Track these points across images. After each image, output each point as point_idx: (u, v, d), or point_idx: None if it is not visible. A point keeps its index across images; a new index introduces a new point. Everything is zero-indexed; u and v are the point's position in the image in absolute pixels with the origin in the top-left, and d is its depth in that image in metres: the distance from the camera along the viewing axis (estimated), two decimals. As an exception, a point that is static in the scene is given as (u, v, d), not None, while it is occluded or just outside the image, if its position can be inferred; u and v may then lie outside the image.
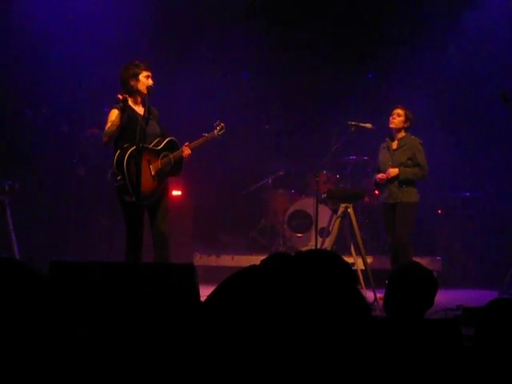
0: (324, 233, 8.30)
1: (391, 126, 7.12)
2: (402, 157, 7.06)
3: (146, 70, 5.91)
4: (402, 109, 7.10)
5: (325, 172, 8.79)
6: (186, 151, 5.97)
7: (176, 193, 8.56)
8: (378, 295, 6.62)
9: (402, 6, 9.44)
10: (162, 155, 5.93)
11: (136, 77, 5.89)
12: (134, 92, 5.89)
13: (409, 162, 7.05)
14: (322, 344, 2.21)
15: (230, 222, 9.67)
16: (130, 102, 5.86)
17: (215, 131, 6.22)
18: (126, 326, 2.80)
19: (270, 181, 9.37)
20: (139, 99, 5.96)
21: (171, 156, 5.95)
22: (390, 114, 7.13)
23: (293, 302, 2.25)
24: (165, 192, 6.05)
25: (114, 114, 5.89)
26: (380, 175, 7.11)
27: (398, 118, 7.10)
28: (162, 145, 5.96)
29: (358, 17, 9.57)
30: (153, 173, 5.88)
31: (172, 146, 6.00)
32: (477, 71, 9.14)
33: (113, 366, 2.31)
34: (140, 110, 5.91)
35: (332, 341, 2.22)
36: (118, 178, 5.71)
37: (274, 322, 2.17)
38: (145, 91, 5.84)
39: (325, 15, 9.54)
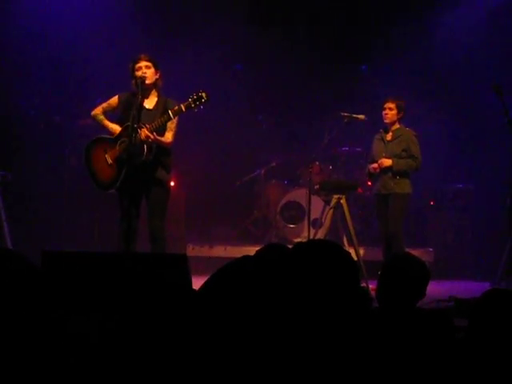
0: (317, 224, 8.30)
1: (386, 121, 7.13)
2: (397, 148, 7.06)
3: (136, 62, 5.87)
4: (392, 101, 7.09)
5: (317, 163, 8.79)
6: (143, 133, 5.65)
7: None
8: (371, 286, 6.63)
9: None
10: (119, 142, 5.84)
11: (132, 74, 5.89)
12: (138, 86, 5.83)
13: (403, 153, 7.05)
14: (320, 334, 2.21)
15: (223, 213, 9.66)
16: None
17: (181, 105, 5.72)
18: (119, 316, 2.80)
19: (263, 172, 9.37)
20: (148, 90, 5.92)
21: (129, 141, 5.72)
22: (381, 108, 7.13)
23: (291, 292, 2.25)
24: (156, 184, 5.89)
25: (112, 99, 6.04)
26: (373, 165, 7.12)
27: (390, 112, 7.09)
28: (118, 132, 5.88)
29: (351, 8, 9.55)
30: (110, 161, 5.87)
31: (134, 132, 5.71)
32: (471, 62, 9.13)
33: (105, 356, 2.31)
34: (146, 101, 5.89)
35: (331, 331, 2.22)
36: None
37: (269, 312, 2.17)
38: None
39: (318, 7, 9.52)
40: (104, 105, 6.06)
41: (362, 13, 9.55)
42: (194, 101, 5.73)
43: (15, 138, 8.45)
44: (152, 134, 5.68)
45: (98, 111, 6.05)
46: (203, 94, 5.74)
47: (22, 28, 8.58)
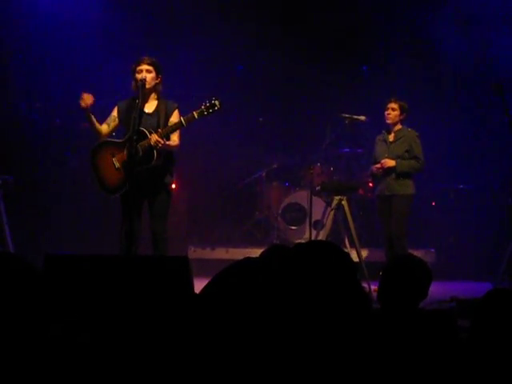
0: (318, 225, 8.30)
1: (388, 121, 7.13)
2: (399, 149, 7.07)
3: (137, 65, 5.85)
4: (395, 102, 7.10)
5: (319, 164, 8.78)
6: (153, 138, 5.61)
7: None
8: (373, 287, 6.63)
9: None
10: (127, 146, 5.74)
11: (133, 75, 5.88)
12: (139, 89, 5.81)
13: (406, 154, 7.06)
14: (321, 336, 2.21)
15: (225, 215, 9.66)
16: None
17: (194, 113, 5.71)
18: (121, 318, 2.80)
19: (264, 174, 9.36)
20: (147, 94, 5.90)
21: (138, 146, 5.65)
22: (384, 108, 7.14)
23: (292, 294, 2.25)
24: (159, 187, 5.88)
25: (112, 110, 6.01)
26: (376, 166, 7.12)
27: (392, 112, 7.10)
28: (126, 136, 5.81)
29: (352, 9, 9.54)
30: (117, 165, 5.81)
31: (139, 136, 5.68)
32: (474, 63, 9.12)
33: (107, 359, 2.31)
34: (145, 105, 5.87)
35: (331, 332, 2.22)
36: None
37: (271, 313, 2.16)
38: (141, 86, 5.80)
39: (318, 8, 9.52)
40: (108, 121, 6.02)
41: (362, 13, 9.54)
42: (207, 108, 5.72)
43: (16, 141, 8.45)
44: (163, 139, 5.66)
45: (103, 130, 5.99)
46: (216, 102, 5.72)
47: (23, 30, 8.59)
